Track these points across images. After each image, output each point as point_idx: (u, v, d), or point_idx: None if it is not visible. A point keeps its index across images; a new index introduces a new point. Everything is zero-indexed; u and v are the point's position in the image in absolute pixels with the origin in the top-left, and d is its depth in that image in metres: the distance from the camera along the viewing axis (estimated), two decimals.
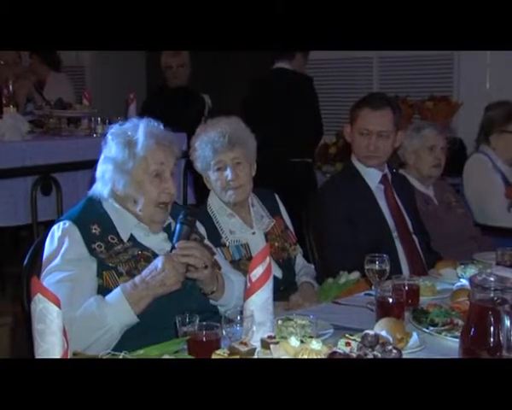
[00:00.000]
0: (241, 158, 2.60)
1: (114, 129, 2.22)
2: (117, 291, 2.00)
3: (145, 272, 2.03)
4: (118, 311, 1.97)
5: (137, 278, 2.02)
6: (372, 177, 3.03)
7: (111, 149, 2.18)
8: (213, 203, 2.66)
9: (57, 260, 2.06)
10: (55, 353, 1.40)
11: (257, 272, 1.76)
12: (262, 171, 4.59)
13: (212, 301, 2.20)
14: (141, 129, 2.18)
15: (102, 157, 2.21)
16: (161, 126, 2.25)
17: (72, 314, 1.93)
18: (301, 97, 4.71)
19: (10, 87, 4.25)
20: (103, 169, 2.19)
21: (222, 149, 2.55)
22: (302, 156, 4.74)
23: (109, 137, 2.21)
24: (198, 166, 2.65)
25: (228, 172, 2.57)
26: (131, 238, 2.16)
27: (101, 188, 2.19)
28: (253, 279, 1.76)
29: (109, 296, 2.00)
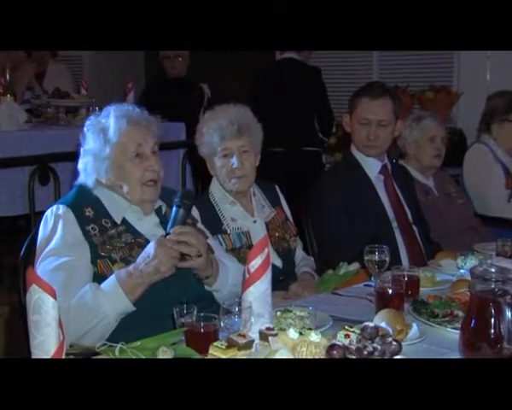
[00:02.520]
0: (247, 147, 2.60)
1: (90, 121, 2.23)
2: (111, 279, 1.99)
3: (138, 260, 2.02)
4: (113, 299, 1.95)
5: (131, 266, 2.01)
6: (372, 167, 3.01)
7: (88, 140, 2.19)
8: (215, 191, 2.66)
9: (52, 245, 2.05)
10: (51, 344, 1.38)
11: (255, 263, 1.74)
12: (269, 159, 4.61)
13: (206, 287, 2.19)
14: (111, 113, 2.18)
15: (82, 150, 2.21)
16: (136, 109, 2.24)
17: (68, 302, 1.92)
18: (310, 87, 4.72)
19: (7, 76, 4.22)
20: (84, 162, 2.20)
21: (230, 137, 2.56)
22: (310, 145, 4.75)
23: (85, 129, 2.22)
24: (204, 151, 2.64)
25: (234, 160, 2.57)
26: (124, 222, 2.15)
27: (85, 179, 2.19)
28: (252, 270, 1.75)
29: (104, 284, 1.99)
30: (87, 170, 2.18)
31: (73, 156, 3.87)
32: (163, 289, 2.02)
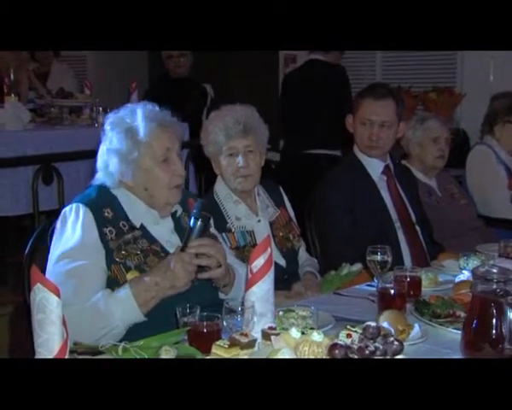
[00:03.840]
0: (253, 146, 2.60)
1: (111, 118, 2.15)
2: (125, 290, 1.94)
3: (155, 273, 1.98)
4: (125, 310, 1.92)
5: (147, 278, 1.96)
6: (374, 167, 3.01)
7: (112, 139, 2.11)
8: (220, 190, 2.67)
9: (69, 246, 1.99)
10: (55, 343, 1.39)
11: (258, 263, 1.75)
12: (293, 162, 4.59)
13: (221, 295, 2.15)
14: (139, 115, 2.12)
15: (104, 149, 2.13)
16: (163, 110, 2.19)
17: (81, 307, 1.89)
18: (335, 88, 4.68)
19: (11, 76, 4.24)
20: (105, 160, 2.12)
21: (236, 136, 2.56)
22: (333, 148, 4.70)
23: (108, 127, 2.14)
24: (209, 150, 2.64)
25: (239, 159, 2.58)
26: (141, 226, 2.10)
27: (103, 178, 2.13)
28: (254, 270, 1.75)
29: (118, 293, 1.94)
30: (108, 169, 2.11)
31: (77, 156, 3.91)
32: (176, 297, 1.97)
